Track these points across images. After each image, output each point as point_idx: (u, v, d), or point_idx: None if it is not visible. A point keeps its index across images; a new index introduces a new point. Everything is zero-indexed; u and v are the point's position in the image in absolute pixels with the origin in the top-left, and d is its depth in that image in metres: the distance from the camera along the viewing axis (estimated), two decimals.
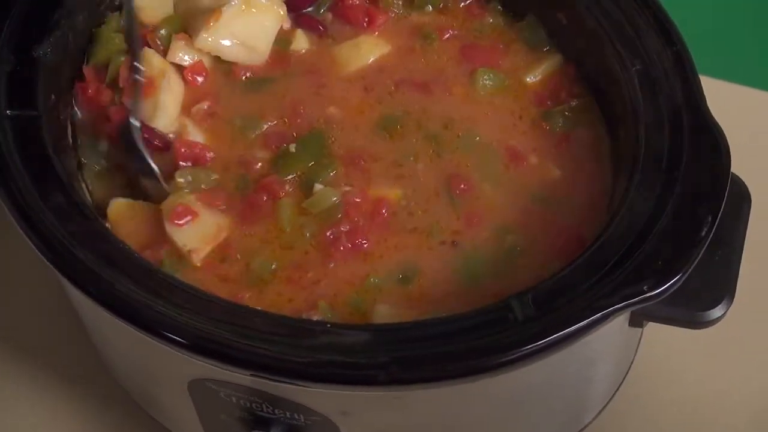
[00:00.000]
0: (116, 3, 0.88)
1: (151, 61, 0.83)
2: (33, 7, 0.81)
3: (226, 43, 0.85)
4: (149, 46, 0.85)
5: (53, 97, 0.79)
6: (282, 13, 0.88)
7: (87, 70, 0.84)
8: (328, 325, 0.68)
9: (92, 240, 0.69)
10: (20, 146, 0.74)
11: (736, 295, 0.71)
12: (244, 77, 0.86)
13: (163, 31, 0.85)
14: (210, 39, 0.84)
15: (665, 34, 0.79)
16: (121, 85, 0.82)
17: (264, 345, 0.64)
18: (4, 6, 0.80)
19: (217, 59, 0.86)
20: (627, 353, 0.84)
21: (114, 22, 0.87)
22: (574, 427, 0.84)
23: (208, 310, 0.66)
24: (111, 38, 0.85)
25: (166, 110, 0.82)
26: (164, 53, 0.85)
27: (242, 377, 0.67)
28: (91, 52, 0.85)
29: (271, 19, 0.87)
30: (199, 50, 0.85)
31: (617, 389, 0.86)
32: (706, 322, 0.70)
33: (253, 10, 0.85)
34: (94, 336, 0.84)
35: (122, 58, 0.83)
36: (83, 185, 0.80)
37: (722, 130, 0.73)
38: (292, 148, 0.81)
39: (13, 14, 0.80)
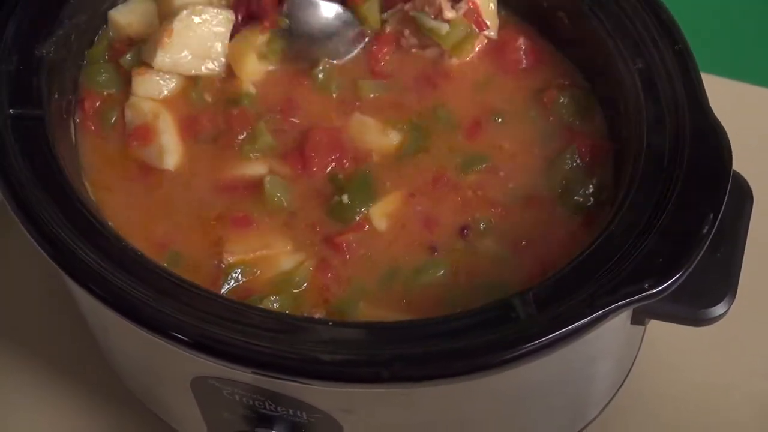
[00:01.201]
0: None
1: (141, 106, 0.82)
2: (36, 5, 0.81)
3: (183, 57, 0.84)
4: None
5: (56, 95, 0.79)
6: (231, 16, 0.85)
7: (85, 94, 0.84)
8: (330, 323, 0.68)
9: (94, 237, 0.69)
10: (23, 144, 0.74)
11: (738, 292, 0.71)
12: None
13: (129, 57, 0.85)
14: (167, 58, 0.83)
15: (667, 33, 0.79)
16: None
17: (266, 342, 0.64)
18: (7, 5, 0.80)
19: (187, 83, 0.85)
20: (630, 350, 0.84)
21: (105, 41, 0.87)
22: (577, 423, 0.85)
23: (210, 308, 0.66)
24: (102, 83, 0.85)
25: (172, 150, 0.81)
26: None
27: (244, 375, 0.67)
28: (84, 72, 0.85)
29: (221, 22, 0.85)
30: (163, 75, 0.84)
31: (620, 386, 0.86)
32: (708, 319, 0.70)
33: (203, 17, 0.84)
34: (97, 334, 0.84)
35: (114, 116, 0.83)
36: (86, 182, 0.80)
37: (724, 128, 0.73)
38: (345, 198, 0.79)
39: (16, 13, 0.80)
